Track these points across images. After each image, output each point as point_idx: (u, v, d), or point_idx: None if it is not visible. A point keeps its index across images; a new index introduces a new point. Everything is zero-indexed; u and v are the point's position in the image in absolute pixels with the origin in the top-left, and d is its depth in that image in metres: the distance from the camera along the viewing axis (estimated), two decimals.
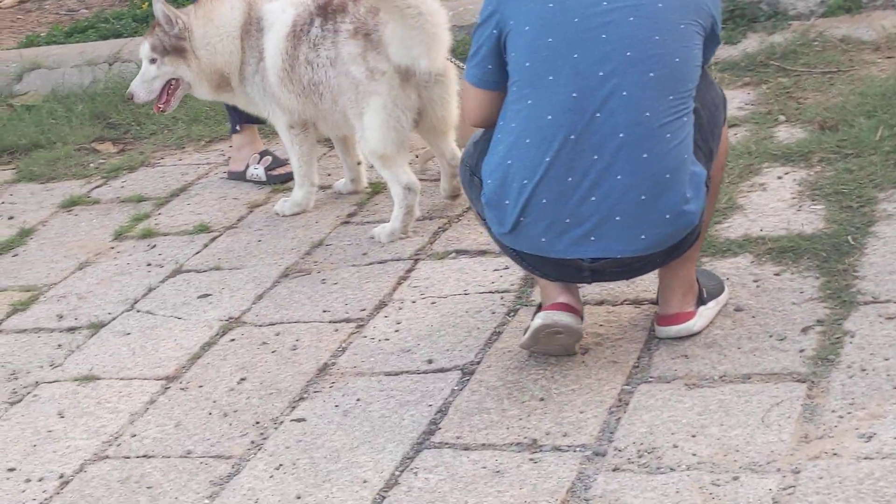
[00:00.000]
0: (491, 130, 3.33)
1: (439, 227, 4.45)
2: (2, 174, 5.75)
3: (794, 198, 4.12)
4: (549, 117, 3.16)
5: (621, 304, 3.66)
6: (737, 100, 4.95)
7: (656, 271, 3.41)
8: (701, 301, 3.44)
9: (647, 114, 3.12)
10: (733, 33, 5.56)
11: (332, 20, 4.37)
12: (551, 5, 3.19)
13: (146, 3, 7.40)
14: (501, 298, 3.82)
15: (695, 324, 3.41)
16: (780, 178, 4.28)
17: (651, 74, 3.13)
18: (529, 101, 3.20)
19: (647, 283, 3.61)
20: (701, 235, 3.40)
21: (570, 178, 3.15)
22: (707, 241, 3.76)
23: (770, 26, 5.58)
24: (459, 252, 4.22)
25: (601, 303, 3.67)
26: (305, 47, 4.41)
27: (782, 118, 4.75)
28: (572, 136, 3.13)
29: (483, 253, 4.12)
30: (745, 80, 5.18)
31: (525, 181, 3.18)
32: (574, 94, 3.14)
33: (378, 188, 4.80)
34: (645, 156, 3.12)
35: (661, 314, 3.44)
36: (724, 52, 5.38)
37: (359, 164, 4.84)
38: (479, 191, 3.34)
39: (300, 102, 4.53)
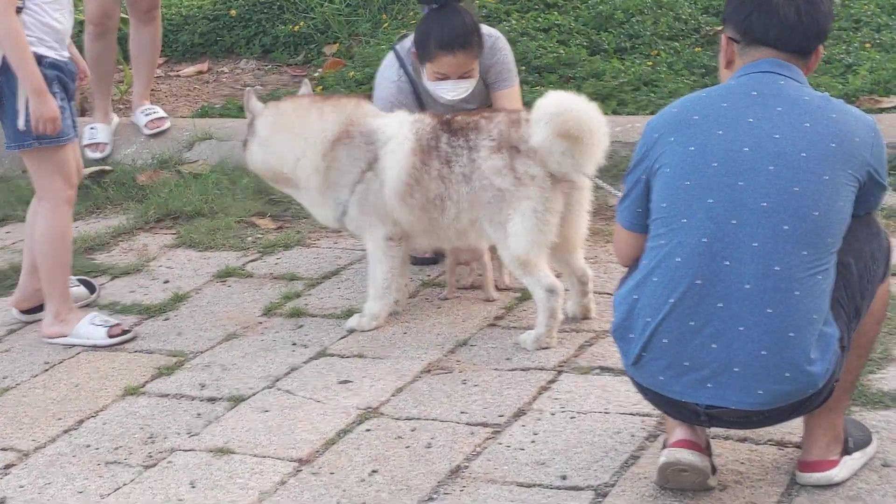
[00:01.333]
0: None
1: (585, 342, 4.44)
2: (163, 238, 5.89)
3: None
4: (678, 259, 3.16)
5: (765, 443, 3.59)
6: None
7: None
8: (846, 451, 3.37)
9: (777, 268, 3.09)
10: None
11: (464, 137, 4.43)
12: (692, 148, 3.19)
13: (320, 87, 7.58)
14: (643, 422, 3.78)
15: (837, 473, 3.33)
16: None
17: (786, 227, 3.09)
18: (662, 241, 3.21)
19: (794, 426, 3.51)
20: (846, 388, 3.34)
21: (692, 322, 3.14)
22: (858, 391, 3.68)
23: None
24: (604, 369, 4.20)
25: (744, 440, 3.60)
26: (437, 163, 4.45)
27: None
28: (698, 281, 3.13)
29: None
30: None
31: (649, 319, 3.19)
32: (705, 240, 3.13)
33: (527, 294, 4.80)
34: (770, 310, 3.09)
35: (803, 460, 3.38)
36: (890, 198, 5.30)
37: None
38: None
39: (416, 216, 4.55)
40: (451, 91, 4.93)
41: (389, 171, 4.52)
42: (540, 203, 4.31)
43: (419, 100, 5.05)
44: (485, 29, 5.12)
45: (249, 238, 5.84)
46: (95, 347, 4.72)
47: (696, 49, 7.70)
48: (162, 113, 7.13)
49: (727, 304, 3.11)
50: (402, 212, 4.55)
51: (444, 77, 4.90)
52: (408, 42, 5.09)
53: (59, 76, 4.62)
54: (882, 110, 6.27)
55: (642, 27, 8.04)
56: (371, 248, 4.68)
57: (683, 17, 8.17)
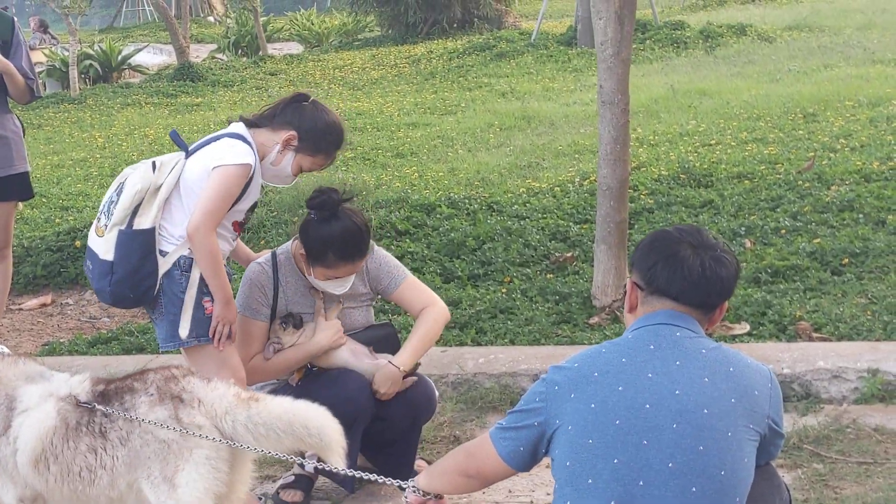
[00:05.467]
0: None
1: None
2: None
3: None
4: None
5: None
6: None
7: None
8: None
9: None
10: None
11: (119, 402, 4.18)
12: (593, 405, 3.14)
13: None
14: None
15: None
16: None
17: (693, 489, 3.04)
18: (568, 502, 3.12)
19: None
20: None
21: None
22: None
23: (802, 408, 5.57)
24: None
25: None
26: (89, 438, 4.16)
27: None
28: None
29: None
30: (778, 461, 5.06)
31: None
32: (612, 503, 3.05)
33: None
34: None
35: None
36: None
37: None
38: None
39: (53, 486, 4.23)
40: (340, 287, 5.04)
41: (22, 443, 4.21)
42: (213, 451, 4.05)
43: (276, 286, 5.09)
44: None
45: None
46: None
47: (548, 275, 7.81)
48: (5, 350, 6.86)
49: None
50: (37, 481, 4.24)
51: (336, 278, 5.02)
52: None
53: None
54: (734, 338, 6.40)
55: (494, 254, 8.15)
56: None
57: (532, 243, 8.32)
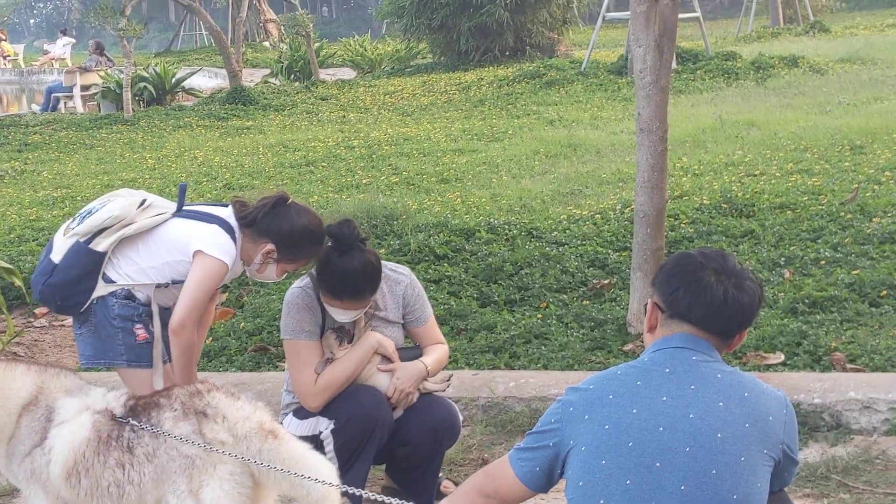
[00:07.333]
0: None
1: None
2: None
3: None
4: None
5: None
6: None
7: None
8: None
9: None
10: None
11: (146, 418, 4.23)
12: (607, 427, 3.15)
13: (210, 339, 7.49)
14: None
15: None
16: None
17: None
18: None
19: None
20: None
21: None
22: None
23: (832, 438, 5.54)
24: None
25: None
26: (118, 453, 4.21)
27: None
28: None
29: None
30: (805, 490, 5.08)
31: None
32: None
33: None
34: None
35: None
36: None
37: None
38: None
39: (83, 499, 4.26)
40: (340, 315, 4.99)
41: (57, 454, 4.26)
42: (237, 466, 4.09)
43: (321, 304, 5.05)
44: (397, 270, 5.23)
45: None
46: None
47: (585, 302, 7.80)
48: None
49: None
50: (69, 493, 4.28)
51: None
52: None
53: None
54: (768, 367, 6.36)
55: (531, 279, 8.16)
56: None
57: (570, 269, 8.32)
